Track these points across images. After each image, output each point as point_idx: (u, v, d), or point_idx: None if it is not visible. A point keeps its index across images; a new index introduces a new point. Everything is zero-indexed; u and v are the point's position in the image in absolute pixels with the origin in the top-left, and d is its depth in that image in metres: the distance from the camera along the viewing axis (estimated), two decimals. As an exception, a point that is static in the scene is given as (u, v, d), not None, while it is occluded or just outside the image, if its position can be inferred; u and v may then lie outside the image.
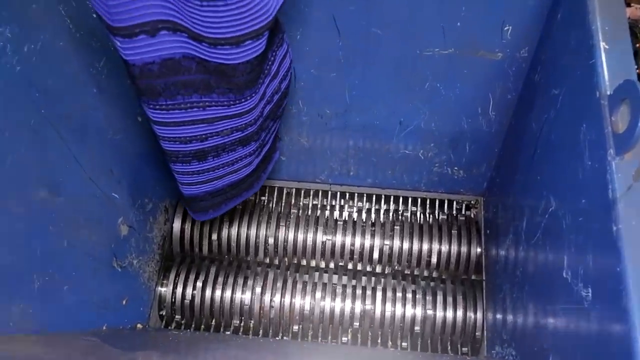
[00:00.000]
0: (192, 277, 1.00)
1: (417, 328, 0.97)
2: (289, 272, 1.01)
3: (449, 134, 0.93)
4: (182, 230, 1.03)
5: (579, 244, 0.55)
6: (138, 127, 0.86)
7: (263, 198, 1.10)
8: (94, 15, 0.61)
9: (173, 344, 0.85)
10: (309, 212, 1.07)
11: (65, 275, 0.70)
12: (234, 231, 1.03)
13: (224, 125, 0.70)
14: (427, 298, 0.97)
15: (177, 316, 1.00)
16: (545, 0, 0.71)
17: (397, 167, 1.02)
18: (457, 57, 0.80)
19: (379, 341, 0.98)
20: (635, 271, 0.44)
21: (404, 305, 0.97)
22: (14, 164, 0.59)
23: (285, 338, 0.99)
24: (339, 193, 1.10)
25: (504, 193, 0.89)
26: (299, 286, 0.99)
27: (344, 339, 0.98)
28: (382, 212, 1.09)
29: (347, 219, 1.06)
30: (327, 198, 1.10)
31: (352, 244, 1.03)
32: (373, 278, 1.01)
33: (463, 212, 1.08)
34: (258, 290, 0.98)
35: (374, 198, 1.10)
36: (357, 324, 0.97)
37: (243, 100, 0.67)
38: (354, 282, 1.01)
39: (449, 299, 0.97)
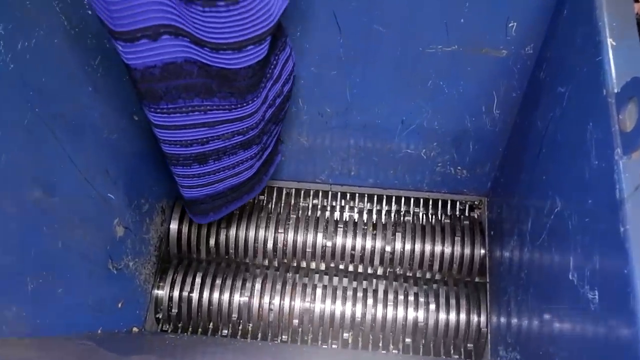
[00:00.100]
0: (189, 279, 1.00)
1: (419, 331, 0.96)
2: (288, 274, 1.01)
3: (452, 132, 0.93)
4: (179, 232, 1.03)
5: (585, 246, 0.54)
6: (134, 126, 0.86)
7: (262, 198, 1.10)
8: (89, 12, 0.61)
9: (170, 348, 0.85)
10: (309, 213, 1.06)
11: (59, 277, 0.70)
12: (232, 232, 1.03)
13: (225, 129, 0.71)
14: (430, 301, 0.97)
15: (173, 319, 1.00)
16: (550, -5, 0.71)
17: (399, 166, 1.02)
18: (461, 55, 0.80)
19: (380, 345, 0.98)
20: (643, 273, 0.44)
21: (406, 308, 0.97)
22: (7, 164, 0.59)
23: (284, 341, 0.99)
24: (339, 193, 1.10)
25: (509, 193, 0.89)
26: (299, 288, 0.99)
27: (345, 342, 0.98)
28: (383, 212, 1.09)
29: (347, 220, 1.06)
30: (327, 199, 1.10)
31: (353, 246, 1.03)
32: (374, 280, 1.01)
33: (466, 213, 1.08)
34: (257, 292, 0.98)
35: (375, 198, 1.10)
36: (358, 327, 0.97)
37: (245, 104, 0.68)
38: (354, 284, 1.01)
39: (452, 302, 0.97)
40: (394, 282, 1.00)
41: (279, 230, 1.03)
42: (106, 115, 0.78)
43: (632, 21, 0.56)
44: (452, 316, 0.97)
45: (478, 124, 0.91)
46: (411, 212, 1.08)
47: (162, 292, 1.00)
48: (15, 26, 0.58)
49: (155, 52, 0.59)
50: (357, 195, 1.10)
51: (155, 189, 0.98)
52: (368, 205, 1.10)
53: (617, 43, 0.54)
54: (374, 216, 1.08)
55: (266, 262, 1.04)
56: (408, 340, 0.97)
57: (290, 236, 1.03)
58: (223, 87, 0.64)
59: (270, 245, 1.03)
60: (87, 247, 0.77)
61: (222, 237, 1.03)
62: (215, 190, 0.82)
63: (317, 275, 1.02)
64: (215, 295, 0.99)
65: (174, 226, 1.03)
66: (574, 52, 0.63)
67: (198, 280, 0.99)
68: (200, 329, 1.00)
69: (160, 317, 1.00)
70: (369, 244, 1.02)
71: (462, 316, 0.96)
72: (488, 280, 0.98)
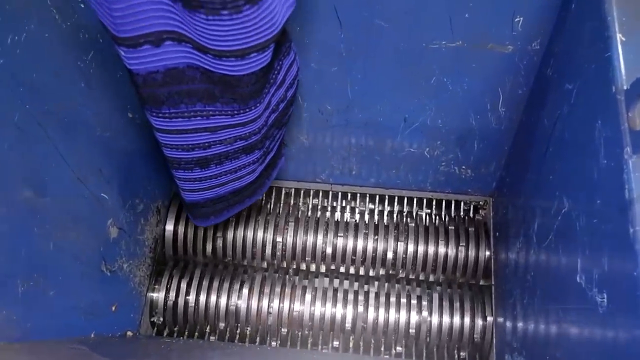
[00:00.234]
0: (185, 281, 1.00)
1: (422, 335, 0.96)
2: (287, 276, 1.01)
3: (457, 131, 0.93)
4: (175, 233, 1.03)
5: (593, 247, 0.54)
6: (129, 124, 0.86)
7: (261, 199, 1.09)
8: (82, 5, 0.61)
9: (165, 353, 0.85)
10: (309, 214, 1.06)
11: (51, 280, 0.70)
12: (229, 233, 1.02)
13: (228, 134, 0.71)
14: (433, 304, 0.97)
15: (169, 323, 1.00)
16: (558, -11, 0.71)
17: (402, 166, 1.02)
18: (465, 50, 0.79)
19: (383, 349, 0.98)
20: (653, 275, 0.44)
21: (409, 311, 0.97)
22: (-3, 162, 0.59)
23: (283, 345, 0.99)
24: (340, 193, 1.10)
25: (514, 193, 0.89)
26: (298, 291, 0.99)
27: (346, 346, 0.98)
28: (385, 213, 1.09)
29: (348, 220, 1.06)
30: (327, 199, 1.10)
31: (354, 248, 1.03)
32: (376, 283, 1.01)
33: (471, 214, 1.08)
34: (255, 295, 0.98)
35: (377, 199, 1.09)
36: (360, 330, 0.97)
37: (247, 110, 0.68)
38: (356, 286, 1.01)
39: (456, 305, 0.97)
40: (396, 285, 1.00)
41: (278, 232, 1.03)
42: (100, 112, 0.78)
43: (642, 15, 0.56)
44: (456, 320, 0.97)
45: (483, 122, 0.91)
46: (414, 213, 1.08)
47: (157, 295, 1.00)
48: (4, 20, 0.58)
49: (157, 57, 0.60)
50: (358, 195, 1.10)
51: (150, 188, 0.97)
52: (370, 206, 1.10)
53: (626, 38, 0.54)
54: (376, 217, 1.08)
55: (265, 264, 1.04)
56: (411, 344, 0.97)
57: (290, 237, 1.03)
58: (226, 93, 0.65)
59: (269, 246, 1.03)
60: (80, 249, 0.76)
61: (219, 238, 1.03)
62: (216, 194, 0.82)
63: (317, 278, 1.02)
64: (213, 298, 0.99)
65: (169, 227, 1.03)
66: (582, 48, 0.63)
67: (195, 282, 0.99)
68: (196, 333, 1.00)
69: (155, 320, 1.00)
70: (370, 246, 1.02)
71: (467, 320, 0.96)
72: (493, 283, 0.98)
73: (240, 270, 1.02)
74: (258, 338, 0.99)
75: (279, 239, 1.03)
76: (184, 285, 0.99)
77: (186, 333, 1.00)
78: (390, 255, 1.02)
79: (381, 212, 1.09)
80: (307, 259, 1.03)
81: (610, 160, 0.52)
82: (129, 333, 0.93)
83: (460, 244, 1.01)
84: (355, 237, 1.03)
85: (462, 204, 1.08)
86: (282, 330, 0.98)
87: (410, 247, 1.02)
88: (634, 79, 0.51)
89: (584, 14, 0.63)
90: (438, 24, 0.76)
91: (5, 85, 0.59)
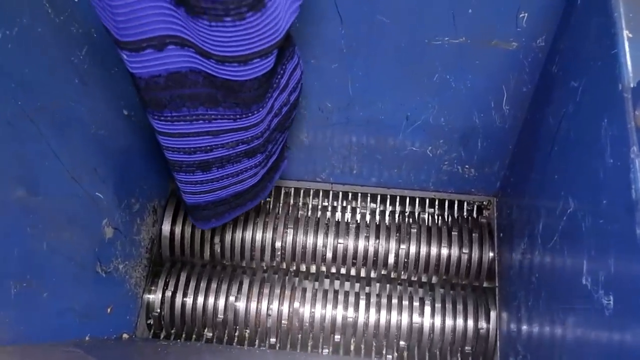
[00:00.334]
0: (182, 283, 0.99)
1: (424, 338, 0.96)
2: (287, 277, 1.01)
3: (460, 129, 0.93)
4: (172, 233, 1.03)
5: (599, 248, 0.54)
6: (124, 121, 0.86)
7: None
8: (75, 0, 0.61)
9: (162, 355, 0.85)
10: (309, 214, 1.06)
11: (44, 281, 0.70)
12: (227, 234, 1.02)
13: (230, 138, 0.72)
14: (436, 306, 0.97)
15: (166, 325, 1.00)
16: (563, -15, 0.71)
17: (404, 165, 1.02)
18: (469, 47, 0.79)
19: (384, 351, 0.98)
20: (660, 278, 0.44)
21: (411, 313, 0.97)
22: (-12, 160, 0.59)
23: (282, 348, 0.99)
24: (341, 193, 1.10)
25: (519, 193, 0.89)
26: (298, 293, 0.99)
27: (347, 349, 0.98)
28: (387, 213, 1.08)
29: (349, 220, 1.06)
30: (328, 198, 1.10)
31: (355, 248, 1.03)
32: (377, 284, 1.01)
33: (474, 214, 1.08)
34: (254, 297, 0.98)
35: (378, 198, 1.09)
36: (361, 333, 0.97)
37: (250, 114, 0.69)
38: (357, 288, 1.01)
39: (459, 307, 0.97)
40: (398, 287, 1.00)
41: (277, 232, 1.03)
42: (94, 109, 0.78)
43: (649, 11, 0.55)
44: (459, 322, 0.96)
45: (487, 120, 0.91)
46: (416, 213, 1.08)
47: (153, 297, 1.00)
48: (-5, 14, 0.58)
49: (160, 61, 0.62)
50: (359, 195, 1.10)
51: (147, 187, 0.97)
52: (371, 206, 1.09)
53: (633, 35, 0.54)
54: (377, 217, 1.08)
55: (264, 265, 1.04)
56: (413, 347, 0.97)
57: (289, 238, 1.02)
58: (228, 98, 0.66)
59: (268, 247, 1.02)
60: (74, 249, 0.76)
61: (217, 238, 1.02)
62: (218, 197, 0.83)
63: (317, 280, 1.02)
64: (210, 299, 0.98)
65: (166, 227, 1.03)
66: (588, 45, 0.62)
67: (192, 284, 0.99)
68: (194, 335, 1.00)
69: (151, 322, 1.00)
70: (371, 247, 1.02)
71: (470, 322, 0.96)
72: (497, 285, 0.98)
73: (239, 271, 1.02)
74: (257, 340, 0.99)
75: (278, 239, 1.03)
76: (181, 287, 0.99)
77: (183, 335, 1.00)
78: (391, 256, 1.02)
79: (382, 212, 1.09)
80: (307, 260, 1.03)
81: (616, 159, 0.52)
82: (125, 335, 0.93)
83: (464, 245, 1.01)
84: (356, 238, 1.03)
85: (465, 204, 1.08)
86: (282, 332, 0.98)
87: (413, 248, 1.01)
88: (641, 76, 0.51)
89: (590, 10, 0.63)
90: (441, 20, 0.76)
91: (-3, 81, 0.60)
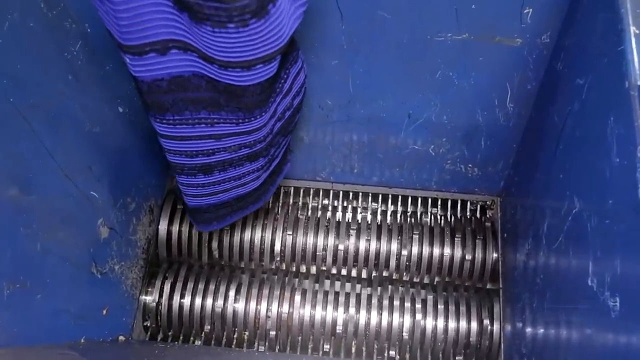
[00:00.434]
0: (180, 284, 0.99)
1: (427, 340, 0.96)
2: (287, 279, 1.01)
3: (463, 127, 0.93)
4: (169, 233, 1.03)
5: (605, 249, 0.54)
6: (119, 118, 0.86)
7: (259, 198, 1.09)
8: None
9: (159, 358, 0.85)
10: (309, 214, 1.06)
11: (38, 283, 0.69)
12: (226, 234, 1.02)
13: (232, 142, 0.73)
14: (439, 308, 0.97)
15: (163, 327, 1.00)
16: (569, -20, 0.71)
17: (406, 164, 1.02)
18: (472, 43, 0.79)
19: (386, 354, 0.98)
20: (668, 279, 0.44)
21: (413, 315, 0.97)
22: (-21, 159, 0.59)
23: (282, 351, 0.99)
24: (341, 192, 1.10)
25: (523, 193, 0.89)
26: (298, 294, 0.99)
27: (348, 351, 0.98)
28: (388, 213, 1.08)
29: (350, 220, 1.06)
30: (328, 198, 1.10)
31: (356, 249, 1.02)
32: (379, 286, 1.01)
33: (478, 214, 1.08)
34: (253, 298, 0.98)
35: (380, 198, 1.09)
36: (362, 335, 0.97)
37: (252, 118, 0.70)
38: (358, 289, 1.00)
39: (462, 309, 0.97)
40: (400, 288, 1.00)
41: (276, 232, 1.03)
42: (88, 106, 0.78)
43: (657, 7, 0.55)
44: (463, 324, 0.96)
45: (490, 119, 0.90)
46: (418, 213, 1.08)
47: (150, 298, 1.00)
48: (-15, 8, 0.58)
49: (163, 65, 0.63)
50: (360, 194, 1.10)
51: (143, 186, 0.97)
52: (372, 205, 1.09)
53: (640, 31, 0.54)
54: (379, 217, 1.08)
55: (263, 266, 1.04)
56: (415, 349, 0.97)
57: (289, 238, 1.02)
58: (231, 102, 0.67)
59: (267, 247, 1.02)
60: (69, 250, 0.76)
61: (216, 239, 1.02)
62: (219, 200, 0.84)
63: (317, 281, 1.01)
64: (208, 301, 0.98)
65: (163, 227, 1.03)
66: (594, 41, 0.62)
67: (190, 285, 0.99)
68: (192, 338, 1.00)
69: (148, 324, 1.00)
70: (373, 247, 1.02)
71: (473, 325, 0.96)
72: (501, 286, 0.97)
73: (237, 272, 1.02)
74: (256, 343, 0.99)
75: (277, 240, 1.02)
76: (178, 288, 0.99)
77: (181, 337, 1.00)
78: (393, 257, 1.02)
79: (384, 212, 1.08)
80: (306, 260, 1.03)
81: (623, 158, 0.52)
82: (121, 338, 0.93)
83: (467, 246, 1.01)
84: (357, 238, 1.03)
85: (468, 203, 1.08)
86: (281, 334, 0.98)
87: (415, 249, 1.01)
88: (648, 73, 0.51)
89: (596, 6, 0.63)
90: (443, 16, 0.76)
91: (-12, 77, 0.60)
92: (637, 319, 0.47)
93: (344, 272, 1.04)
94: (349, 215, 1.08)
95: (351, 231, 1.03)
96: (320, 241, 1.03)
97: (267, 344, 0.98)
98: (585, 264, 0.58)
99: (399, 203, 1.09)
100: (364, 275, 1.04)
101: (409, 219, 1.06)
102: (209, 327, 0.98)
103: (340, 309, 0.98)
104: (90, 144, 0.80)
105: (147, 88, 0.65)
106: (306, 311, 0.97)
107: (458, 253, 1.01)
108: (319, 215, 1.05)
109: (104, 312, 0.87)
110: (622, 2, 0.56)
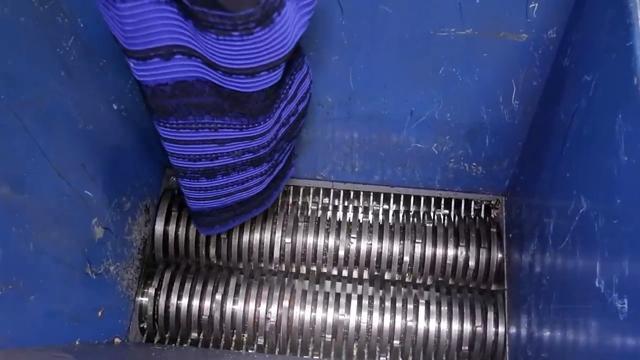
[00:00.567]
0: (177, 285, 0.99)
1: (430, 343, 0.96)
2: (287, 279, 1.01)
3: (467, 125, 0.93)
4: (166, 233, 1.03)
5: (613, 250, 0.54)
6: (114, 116, 0.86)
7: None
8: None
9: (155, 361, 0.85)
10: (309, 213, 1.06)
11: (31, 284, 0.69)
12: (223, 234, 1.02)
13: (235, 147, 0.74)
14: (442, 309, 0.97)
15: (160, 329, 1.00)
16: (576, -27, 0.70)
17: (408, 162, 1.02)
18: (476, 39, 0.79)
19: (388, 357, 0.97)
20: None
21: (416, 317, 0.97)
22: (-30, 157, 0.59)
23: (282, 353, 0.98)
24: (342, 191, 1.10)
25: (529, 192, 0.89)
26: (298, 295, 0.99)
27: (349, 354, 0.98)
28: (390, 212, 1.08)
29: (351, 220, 1.06)
30: (329, 197, 1.10)
31: (357, 249, 1.02)
32: (381, 287, 1.00)
33: (482, 214, 1.07)
34: (252, 299, 0.98)
35: (381, 197, 1.09)
36: (363, 337, 0.97)
37: (256, 124, 0.71)
38: (359, 290, 1.00)
39: (466, 311, 0.97)
40: (402, 289, 1.00)
41: (276, 232, 1.02)
42: (82, 103, 0.78)
43: (666, 1, 0.55)
44: (467, 326, 0.96)
45: (495, 116, 0.90)
46: (421, 213, 1.08)
47: (147, 300, 0.99)
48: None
49: (167, 70, 0.64)
50: (361, 193, 1.09)
51: (138, 185, 0.97)
52: (374, 205, 1.09)
53: (650, 26, 0.54)
54: (380, 217, 1.08)
55: (262, 266, 1.04)
56: (418, 352, 0.97)
57: (289, 238, 1.02)
58: (235, 108, 0.68)
59: (266, 248, 1.02)
60: (63, 250, 0.76)
61: (213, 239, 1.02)
62: (222, 204, 0.85)
63: (318, 282, 1.01)
64: (206, 302, 0.98)
65: (159, 227, 1.02)
66: (602, 36, 0.62)
67: (187, 286, 0.99)
68: (189, 340, 1.00)
69: (145, 326, 1.00)
70: (375, 248, 1.02)
71: (478, 327, 0.96)
72: (506, 288, 0.97)
73: (236, 273, 1.02)
74: (255, 345, 0.99)
75: (276, 240, 1.02)
76: (175, 289, 0.99)
77: (178, 340, 1.00)
78: (395, 258, 1.01)
79: (386, 212, 1.08)
80: (306, 261, 1.03)
81: (631, 157, 0.51)
82: (117, 340, 0.93)
83: (471, 246, 1.01)
84: (359, 238, 1.02)
85: (472, 203, 1.08)
86: (281, 336, 0.97)
87: (417, 249, 1.01)
88: (657, 69, 0.51)
89: (604, 0, 0.62)
90: (447, 10, 0.76)
91: (-22, 74, 0.60)
92: (645, 321, 0.47)
93: (345, 273, 1.04)
94: (349, 215, 1.08)
95: (352, 231, 1.03)
96: (321, 241, 1.02)
97: (266, 346, 0.98)
98: (593, 265, 0.58)
99: (401, 202, 1.09)
100: (365, 276, 1.04)
101: (411, 218, 1.06)
102: (206, 329, 0.98)
103: (342, 311, 0.97)
104: (84, 142, 0.80)
105: (151, 92, 0.66)
106: (306, 313, 0.97)
107: (462, 254, 1.00)
108: (319, 215, 1.05)
109: (99, 313, 0.87)
110: (631, -5, 0.56)
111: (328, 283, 1.01)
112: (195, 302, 0.98)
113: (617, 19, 0.58)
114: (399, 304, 0.97)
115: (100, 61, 0.79)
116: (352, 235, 1.02)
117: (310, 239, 1.02)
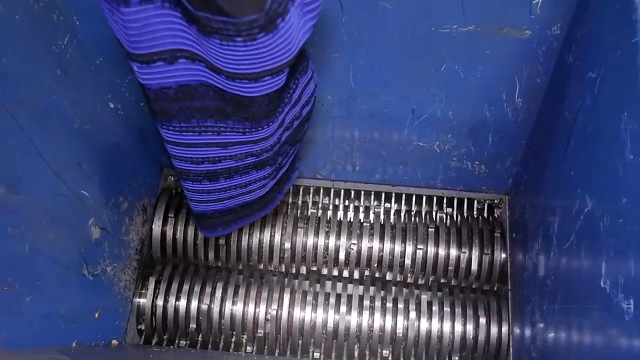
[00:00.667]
0: (175, 286, 0.99)
1: (432, 344, 0.96)
2: (286, 280, 1.01)
3: (469, 123, 0.93)
4: (163, 233, 1.03)
5: (619, 249, 0.54)
6: (111, 115, 0.86)
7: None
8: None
9: (153, 363, 0.85)
10: (309, 213, 1.06)
11: (27, 285, 0.69)
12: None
13: (238, 150, 0.75)
14: (444, 310, 0.97)
15: (158, 331, 0.99)
16: (580, -32, 0.70)
17: (409, 161, 1.02)
18: (478, 35, 0.78)
19: (390, 358, 0.97)
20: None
21: (418, 318, 0.97)
22: (-36, 157, 0.59)
23: (282, 354, 0.99)
24: (342, 191, 1.10)
25: (532, 191, 0.89)
26: (298, 296, 0.99)
27: (350, 356, 0.98)
28: (392, 212, 1.08)
29: (352, 220, 1.06)
30: (329, 196, 1.10)
31: (359, 249, 1.02)
32: (382, 288, 1.00)
33: (485, 213, 1.07)
34: (252, 300, 0.98)
35: (383, 196, 1.09)
36: (365, 339, 0.97)
37: (260, 128, 0.71)
38: (360, 291, 1.00)
39: (469, 312, 0.97)
40: (404, 290, 1.00)
41: (275, 232, 1.02)
42: (78, 102, 0.78)
43: (672, -4, 0.55)
44: (470, 328, 0.96)
45: (498, 114, 0.90)
46: (423, 212, 1.08)
47: (144, 301, 0.99)
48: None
49: (170, 74, 0.64)
50: (362, 192, 1.09)
51: (136, 185, 0.97)
52: (375, 204, 1.09)
53: (655, 22, 0.54)
54: (382, 216, 1.07)
55: (261, 267, 1.04)
56: (420, 353, 0.97)
57: (288, 238, 1.02)
58: (238, 112, 0.68)
59: (265, 248, 1.02)
60: (59, 251, 0.76)
61: (212, 239, 1.02)
62: (225, 207, 0.85)
63: (318, 282, 1.01)
64: (205, 303, 0.98)
65: (157, 227, 1.02)
66: (607, 33, 0.62)
67: (185, 287, 0.99)
68: (188, 342, 1.00)
69: (142, 328, 1.00)
70: (376, 248, 1.02)
71: (481, 328, 0.96)
72: (510, 288, 0.97)
73: (235, 274, 1.01)
74: (255, 347, 0.98)
75: (276, 240, 1.02)
76: (173, 290, 0.99)
77: (176, 341, 1.00)
78: (397, 258, 1.01)
79: (387, 211, 1.08)
80: (307, 262, 1.03)
81: (637, 155, 0.51)
82: (114, 342, 0.93)
83: (474, 246, 1.01)
84: (360, 238, 1.02)
85: (475, 202, 1.08)
86: (281, 337, 0.97)
87: (419, 249, 1.01)
88: (663, 66, 0.51)
89: (609, -5, 0.63)
90: (448, 7, 0.75)
91: (-28, 72, 0.60)
92: (652, 322, 0.47)
93: (345, 273, 1.04)
94: (350, 214, 1.08)
95: (353, 231, 1.02)
96: (321, 241, 1.02)
97: (266, 347, 0.98)
98: (598, 265, 0.57)
99: (403, 202, 1.08)
100: (366, 275, 1.04)
101: (413, 218, 1.06)
102: (205, 330, 0.98)
103: (342, 312, 0.97)
104: (81, 141, 0.80)
105: (154, 95, 0.66)
106: (307, 314, 0.97)
107: (464, 253, 1.00)
108: (319, 215, 1.05)
109: (96, 315, 0.87)
110: (636, -10, 0.56)
111: (329, 283, 1.01)
112: (194, 303, 0.98)
113: (622, 15, 0.57)
114: (400, 305, 0.97)
115: (96, 59, 0.79)
116: (352, 235, 1.02)
117: (310, 239, 1.02)
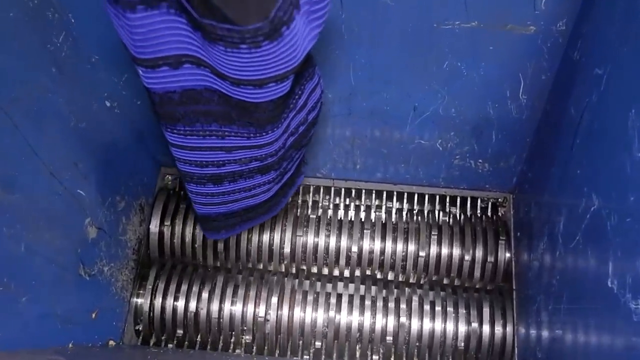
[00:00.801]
0: (173, 286, 0.99)
1: (436, 344, 0.96)
2: (286, 280, 1.00)
3: (472, 121, 0.93)
4: (161, 233, 1.03)
5: (626, 248, 0.54)
6: (107, 113, 0.86)
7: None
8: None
9: (151, 364, 0.85)
10: (309, 212, 1.06)
11: (23, 285, 0.69)
12: (222, 234, 1.02)
13: (243, 154, 0.76)
14: (448, 310, 0.97)
15: (156, 331, 1.00)
16: (586, -38, 0.70)
17: (412, 159, 1.02)
18: (482, 32, 0.78)
19: (392, 358, 0.97)
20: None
21: (422, 318, 0.97)
22: (-42, 156, 0.59)
23: (282, 355, 0.99)
24: (343, 189, 1.09)
25: (537, 189, 0.88)
26: (298, 296, 0.99)
27: (351, 356, 0.98)
28: (394, 211, 1.08)
29: (352, 219, 1.05)
30: (329, 195, 1.10)
31: (360, 249, 1.02)
32: (384, 287, 1.00)
33: (489, 212, 1.07)
34: (250, 301, 0.98)
35: (384, 195, 1.09)
36: (367, 339, 0.97)
37: (264, 133, 0.72)
38: (361, 291, 1.00)
39: (474, 312, 0.97)
40: (406, 290, 1.00)
41: (275, 232, 1.02)
42: (73, 100, 0.78)
43: (680, -9, 0.55)
44: (474, 327, 0.96)
45: (502, 111, 0.90)
46: (425, 211, 1.08)
47: (142, 301, 0.99)
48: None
49: (175, 79, 0.66)
50: (363, 191, 1.09)
51: (133, 184, 0.98)
52: (376, 203, 1.09)
53: (662, 18, 0.54)
54: (383, 215, 1.07)
55: (260, 267, 1.04)
56: (424, 353, 0.97)
57: (288, 237, 1.02)
58: (242, 117, 0.69)
59: (265, 247, 1.02)
60: (55, 250, 0.76)
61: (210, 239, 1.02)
62: (229, 210, 0.86)
63: (319, 282, 1.01)
64: (203, 303, 0.98)
65: (154, 227, 1.02)
66: (614, 28, 0.62)
67: (183, 287, 0.99)
68: (186, 342, 1.00)
69: (140, 328, 1.00)
70: (377, 247, 1.02)
71: (485, 328, 0.96)
72: (514, 288, 0.97)
73: (234, 274, 1.01)
74: (255, 347, 0.98)
75: (275, 239, 1.02)
76: (171, 290, 0.99)
77: (175, 342, 1.00)
78: (399, 257, 1.01)
79: (389, 210, 1.08)
80: (307, 261, 1.03)
81: (645, 153, 0.51)
82: (111, 342, 0.93)
83: (478, 245, 1.01)
84: (361, 237, 1.02)
85: (479, 201, 1.08)
86: (281, 338, 0.97)
87: (422, 249, 1.01)
88: (671, 62, 0.51)
89: (616, -9, 0.63)
90: (451, 2, 0.75)
91: (-33, 70, 0.60)
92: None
93: (346, 273, 1.04)
94: (351, 213, 1.08)
95: (354, 230, 1.02)
96: (322, 241, 1.02)
97: (266, 347, 0.98)
98: (605, 265, 0.57)
99: (405, 200, 1.08)
100: (367, 275, 1.03)
101: (415, 217, 1.05)
102: (204, 330, 0.98)
103: (344, 312, 0.97)
104: (77, 140, 0.80)
105: (159, 99, 0.67)
106: (307, 314, 0.97)
107: (468, 253, 1.00)
108: (319, 214, 1.05)
109: (93, 315, 0.87)
110: (643, -15, 0.56)
111: (329, 284, 1.01)
112: (193, 303, 0.98)
113: (630, 10, 0.57)
114: (403, 306, 0.97)
115: (92, 57, 0.79)
116: (353, 235, 1.02)
117: (310, 239, 1.02)
